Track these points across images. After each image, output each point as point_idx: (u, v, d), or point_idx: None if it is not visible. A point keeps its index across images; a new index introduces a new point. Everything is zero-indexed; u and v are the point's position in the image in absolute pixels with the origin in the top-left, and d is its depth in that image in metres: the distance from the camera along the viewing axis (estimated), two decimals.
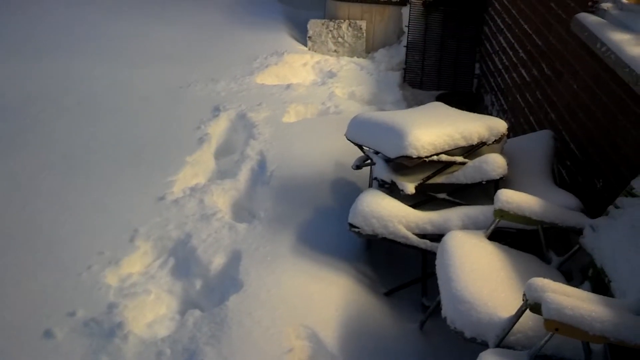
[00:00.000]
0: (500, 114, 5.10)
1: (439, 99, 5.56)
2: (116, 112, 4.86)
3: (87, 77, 5.39)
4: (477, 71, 6.14)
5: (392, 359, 2.84)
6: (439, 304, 2.82)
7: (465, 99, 5.93)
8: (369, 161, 3.65)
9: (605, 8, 3.46)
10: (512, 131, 4.52)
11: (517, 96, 4.68)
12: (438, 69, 6.20)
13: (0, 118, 4.66)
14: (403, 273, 3.43)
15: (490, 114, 5.25)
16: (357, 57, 6.45)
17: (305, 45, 6.52)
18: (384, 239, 3.15)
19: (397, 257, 3.57)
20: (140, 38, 6.30)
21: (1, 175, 3.99)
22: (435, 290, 2.91)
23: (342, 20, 6.51)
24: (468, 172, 3.33)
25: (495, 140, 3.43)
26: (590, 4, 3.54)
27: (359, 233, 3.19)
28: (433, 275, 2.94)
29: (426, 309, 3.13)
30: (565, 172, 3.61)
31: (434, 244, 3.07)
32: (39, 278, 3.18)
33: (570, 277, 2.84)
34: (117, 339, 2.82)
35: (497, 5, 5.58)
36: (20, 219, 3.60)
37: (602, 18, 3.43)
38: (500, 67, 5.28)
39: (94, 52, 5.91)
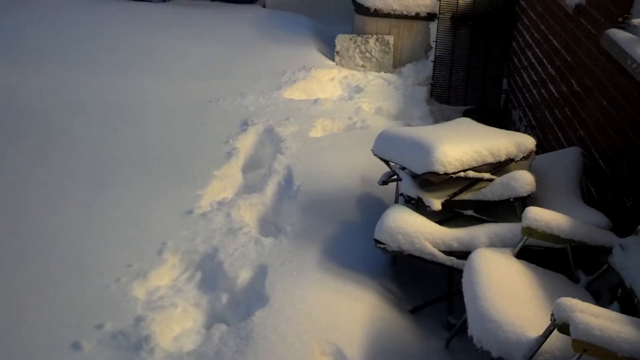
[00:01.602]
0: (529, 130, 5.06)
1: (465, 114, 5.54)
2: (144, 124, 4.92)
3: (116, 88, 5.46)
4: (504, 87, 6.11)
5: None
6: (465, 322, 2.80)
7: (493, 115, 5.91)
8: (395, 177, 3.65)
9: (636, 24, 3.43)
10: (540, 148, 4.48)
11: (546, 112, 4.65)
12: (465, 84, 6.19)
13: (29, 128, 4.74)
14: (428, 290, 3.42)
15: (518, 130, 5.22)
16: (385, 72, 6.46)
17: (333, 60, 6.55)
18: (410, 255, 3.14)
19: (422, 274, 3.55)
20: (167, 51, 6.38)
21: (29, 185, 4.06)
22: (461, 308, 2.89)
23: (370, 35, 6.53)
24: (495, 189, 3.31)
25: (523, 157, 3.41)
26: (620, 20, 3.51)
27: (384, 249, 3.19)
28: (459, 293, 2.93)
29: (452, 327, 3.11)
30: (594, 190, 3.57)
31: (461, 261, 3.05)
32: (67, 289, 3.22)
33: (598, 297, 2.81)
34: (144, 352, 2.85)
35: (525, 20, 5.56)
36: (48, 229, 3.65)
37: (633, 34, 3.40)
38: (528, 82, 5.25)
39: (122, 64, 5.99)
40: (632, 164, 3.13)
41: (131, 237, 3.62)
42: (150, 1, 8.22)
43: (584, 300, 2.17)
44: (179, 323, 3.13)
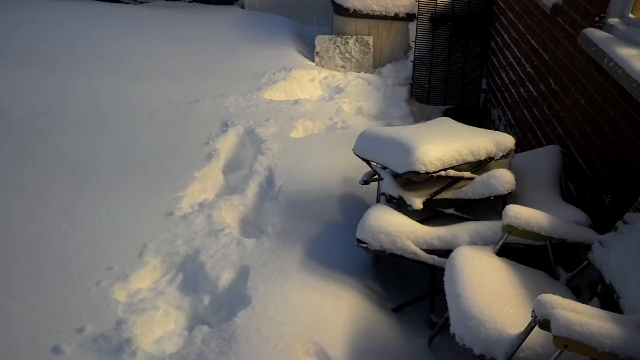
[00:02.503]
0: (508, 128, 5.10)
1: (445, 114, 5.58)
2: (124, 126, 4.88)
3: (94, 92, 5.41)
4: (484, 86, 6.15)
5: None
6: (447, 320, 2.82)
7: (473, 114, 5.95)
8: (376, 176, 3.66)
9: (612, 23, 3.47)
10: (520, 146, 4.52)
11: (525, 111, 4.69)
12: (445, 84, 6.22)
13: (7, 132, 4.68)
14: (411, 289, 3.43)
15: (497, 129, 5.26)
16: (365, 72, 6.47)
17: (313, 60, 6.54)
18: (392, 254, 3.15)
19: (404, 273, 3.57)
20: (147, 54, 6.33)
21: (9, 189, 4.01)
22: (443, 307, 2.90)
23: (350, 36, 6.54)
24: (476, 187, 3.33)
25: (503, 156, 3.44)
26: (597, 19, 3.55)
27: (366, 248, 3.19)
28: (441, 291, 2.94)
29: (434, 325, 3.12)
30: (573, 187, 3.61)
31: (442, 259, 3.07)
32: (47, 293, 3.18)
33: (578, 293, 2.83)
34: (126, 355, 2.83)
35: (503, 20, 5.60)
36: (28, 233, 3.61)
37: (609, 33, 3.45)
38: (507, 82, 5.29)
39: (101, 67, 5.94)
40: (610, 162, 3.17)
41: (111, 240, 3.59)
42: (127, 3, 8.17)
43: (564, 296, 2.19)
44: (161, 325, 3.11)
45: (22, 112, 4.99)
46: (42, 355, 2.83)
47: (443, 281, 2.78)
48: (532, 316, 2.14)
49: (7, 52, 6.13)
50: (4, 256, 3.42)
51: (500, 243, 2.83)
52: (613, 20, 3.49)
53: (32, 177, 4.15)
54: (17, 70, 5.74)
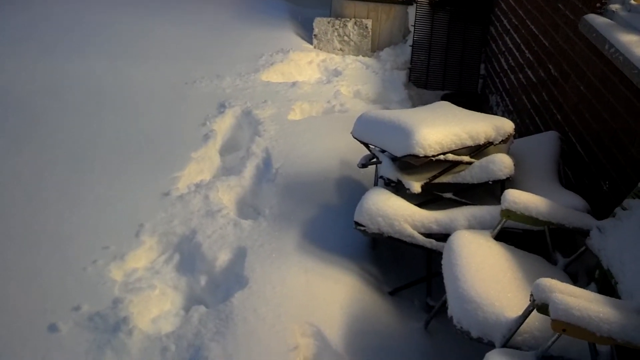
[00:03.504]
0: (506, 114, 5.09)
1: (444, 99, 5.56)
2: (120, 108, 4.85)
3: (91, 73, 5.38)
4: (482, 72, 6.13)
5: (396, 358, 2.84)
6: (444, 303, 2.83)
7: (471, 99, 5.93)
8: (374, 160, 3.65)
9: (614, 9, 3.46)
10: (518, 132, 4.52)
11: (523, 97, 4.68)
12: (443, 68, 6.20)
13: (4, 114, 4.65)
14: (408, 272, 3.43)
15: (496, 115, 5.25)
16: (363, 55, 6.44)
17: (311, 43, 6.51)
18: (390, 237, 3.15)
19: (401, 256, 3.57)
20: (144, 35, 6.28)
21: (6, 171, 3.98)
22: (440, 290, 2.92)
23: (348, 19, 6.50)
24: (475, 171, 3.33)
25: (502, 141, 3.43)
26: (598, 5, 3.53)
27: (364, 231, 3.19)
28: (438, 275, 2.96)
29: (431, 309, 3.13)
30: (571, 173, 3.61)
31: (440, 243, 3.07)
32: (44, 272, 3.17)
33: (575, 279, 2.84)
34: (122, 333, 2.82)
35: (503, 5, 5.57)
36: (25, 214, 3.59)
37: (611, 19, 3.43)
38: (506, 67, 5.27)
39: (98, 48, 5.90)
40: (609, 148, 3.17)
41: (108, 219, 3.58)
42: None
43: (562, 281, 2.19)
44: (157, 305, 3.11)
45: (19, 94, 4.95)
46: (38, 334, 2.82)
47: (440, 265, 2.79)
48: (530, 300, 2.15)
49: (3, 34, 6.07)
50: (0, 235, 3.40)
51: (498, 227, 2.83)
52: (614, 7, 3.48)
53: (28, 159, 4.12)
54: (14, 52, 5.70)
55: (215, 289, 3.21)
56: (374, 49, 6.62)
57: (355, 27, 6.48)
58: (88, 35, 6.17)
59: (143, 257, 3.37)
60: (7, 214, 3.59)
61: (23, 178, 3.92)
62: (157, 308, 3.09)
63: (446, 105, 3.77)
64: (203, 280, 3.25)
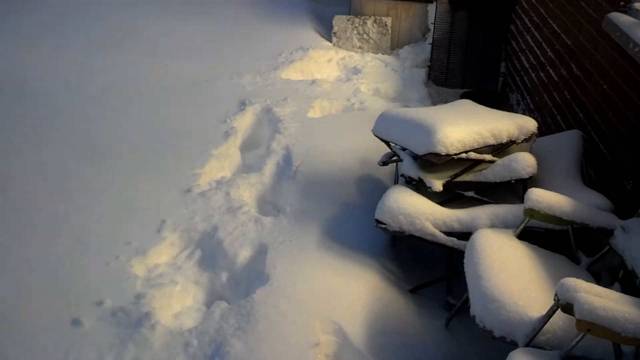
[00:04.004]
0: (527, 113, 5.07)
1: (464, 97, 5.54)
2: (142, 103, 4.89)
3: (113, 69, 5.42)
4: (502, 70, 6.10)
5: (417, 356, 2.83)
6: (465, 302, 2.82)
7: (491, 98, 5.90)
8: (395, 158, 3.65)
9: (638, 8, 3.42)
10: (539, 131, 4.48)
11: (545, 96, 4.65)
12: (463, 67, 6.18)
13: (26, 108, 4.70)
14: (428, 271, 3.43)
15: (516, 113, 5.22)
16: (382, 53, 6.44)
17: (330, 41, 6.51)
18: (411, 236, 3.15)
19: (421, 254, 3.57)
20: (164, 32, 6.33)
21: (28, 164, 4.03)
22: (460, 289, 2.91)
23: (368, 17, 6.50)
24: (497, 170, 3.31)
25: (525, 139, 3.41)
26: (622, 3, 3.50)
27: (385, 229, 3.19)
28: (458, 274, 2.94)
29: (451, 307, 3.12)
30: (594, 173, 3.58)
31: (461, 242, 3.06)
32: (67, 267, 3.20)
33: (598, 279, 2.82)
34: (145, 329, 2.84)
35: (524, 3, 5.54)
36: (47, 208, 3.63)
37: (635, 18, 3.40)
38: (527, 66, 5.24)
39: (119, 45, 5.95)
40: (633, 148, 3.14)
41: (130, 215, 3.61)
42: None
43: (586, 281, 2.18)
44: (179, 300, 3.13)
45: (41, 89, 5.00)
46: (61, 328, 2.85)
47: (460, 264, 2.78)
48: (554, 299, 2.14)
49: (25, 29, 6.14)
50: (23, 230, 3.45)
51: (521, 226, 2.82)
52: (639, 5, 3.44)
53: (51, 153, 4.16)
54: (36, 47, 5.76)
55: (237, 285, 3.23)
56: (394, 47, 6.61)
57: (374, 25, 6.48)
58: (109, 32, 6.22)
59: (165, 252, 3.39)
60: (30, 208, 3.63)
61: (45, 171, 3.96)
62: (179, 303, 3.11)
63: (468, 103, 3.76)
64: (224, 276, 3.27)
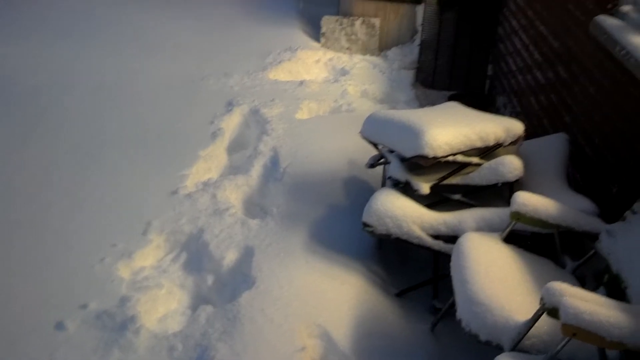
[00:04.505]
0: (514, 115, 5.07)
1: (451, 99, 5.54)
2: (127, 104, 4.85)
3: (98, 67, 5.39)
4: (490, 72, 6.11)
5: None
6: (451, 305, 2.82)
7: (478, 100, 5.91)
8: (383, 160, 3.64)
9: (625, 11, 3.43)
10: (526, 134, 4.49)
11: (532, 98, 4.66)
12: (451, 69, 6.18)
13: (10, 107, 4.66)
14: (414, 274, 3.43)
15: (503, 116, 5.23)
16: (370, 55, 6.43)
17: (319, 41, 6.50)
18: (398, 239, 3.14)
19: (407, 257, 3.57)
20: (152, 31, 6.29)
21: (12, 165, 3.99)
22: (447, 292, 2.91)
23: (356, 18, 6.49)
24: (484, 173, 3.31)
25: (512, 142, 3.42)
26: (609, 6, 3.51)
27: (372, 232, 3.18)
28: (444, 277, 2.94)
29: (437, 311, 3.12)
30: (580, 176, 3.59)
31: (448, 245, 3.06)
32: (51, 269, 3.18)
33: (584, 282, 2.83)
34: (129, 332, 2.82)
35: (512, 6, 5.55)
36: (32, 209, 3.60)
37: (622, 21, 3.41)
38: (514, 68, 5.25)
39: (105, 43, 5.91)
40: (618, 151, 3.15)
41: (115, 217, 3.59)
42: None
43: (571, 285, 2.18)
44: (164, 304, 3.11)
45: (25, 88, 4.96)
46: (45, 331, 2.82)
47: (446, 267, 2.78)
48: (540, 303, 2.14)
49: (9, 26, 6.08)
50: (6, 232, 3.42)
51: (507, 230, 2.82)
52: (626, 8, 3.45)
53: (35, 153, 4.13)
54: (20, 45, 5.71)
55: (223, 288, 3.21)
56: (382, 48, 6.61)
57: (363, 26, 6.47)
58: (96, 30, 6.18)
59: (150, 255, 3.37)
60: (14, 209, 3.60)
61: (30, 173, 3.93)
62: (164, 307, 3.08)
63: (456, 105, 3.76)
64: (210, 279, 3.25)
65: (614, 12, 3.50)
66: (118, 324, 2.88)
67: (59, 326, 2.84)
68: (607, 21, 3.40)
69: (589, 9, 3.72)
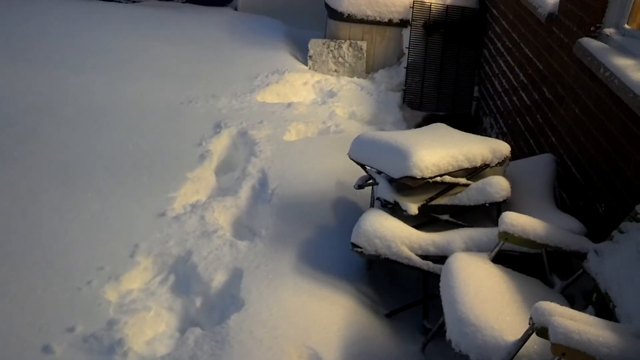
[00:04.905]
0: (500, 136, 5.12)
1: (436, 121, 5.58)
2: (116, 125, 4.84)
3: (86, 89, 5.37)
4: (476, 94, 6.17)
5: None
6: (441, 326, 2.82)
7: (464, 122, 5.97)
8: (371, 181, 3.66)
9: (608, 33, 3.50)
10: (512, 154, 4.53)
11: (518, 119, 4.71)
12: (437, 90, 6.24)
13: None
14: (404, 294, 3.43)
15: (490, 137, 5.28)
16: (357, 77, 6.48)
17: (306, 64, 6.54)
18: (387, 259, 3.14)
19: (397, 278, 3.57)
20: (140, 53, 6.30)
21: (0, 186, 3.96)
22: (436, 313, 2.91)
23: (343, 41, 6.55)
24: (471, 194, 3.33)
25: (499, 163, 3.44)
26: (592, 29, 3.58)
27: (361, 253, 3.18)
28: (434, 298, 2.94)
29: (427, 331, 3.12)
30: (567, 196, 3.62)
31: (437, 265, 3.07)
32: (38, 292, 3.14)
33: (572, 302, 2.84)
34: (117, 356, 2.79)
35: (497, 28, 5.63)
36: (18, 231, 3.56)
37: (605, 43, 3.47)
38: (500, 90, 5.31)
39: (94, 65, 5.90)
40: (604, 171, 3.18)
41: (102, 239, 3.56)
42: (119, 2, 8.13)
43: (560, 304, 2.19)
44: (152, 327, 3.07)
45: (13, 109, 4.93)
46: (32, 355, 2.79)
47: (436, 287, 2.78)
48: (529, 323, 2.14)
49: None
50: None
51: (496, 250, 2.83)
52: (609, 31, 3.52)
53: (22, 175, 4.09)
54: (8, 67, 5.69)
55: (211, 310, 3.19)
56: (369, 71, 6.66)
57: (350, 48, 6.52)
58: (83, 52, 6.17)
59: (138, 278, 3.34)
60: (0, 230, 3.56)
61: (16, 195, 3.89)
62: (152, 330, 3.05)
63: (443, 127, 3.79)
64: (198, 301, 3.23)
65: (597, 34, 3.57)
66: (106, 347, 2.85)
67: (46, 349, 2.81)
68: (591, 43, 3.47)
69: (572, 31, 3.79)
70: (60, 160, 4.29)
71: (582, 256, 2.77)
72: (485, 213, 3.48)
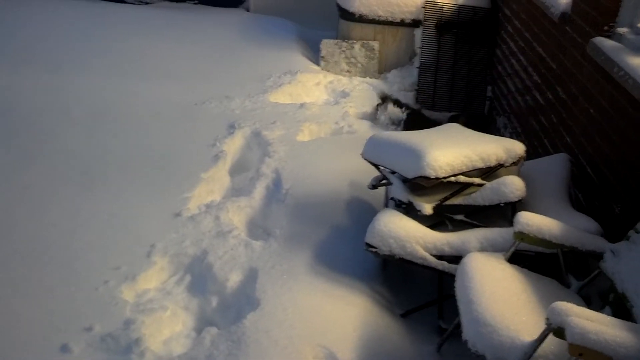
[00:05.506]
0: (514, 136, 5.11)
1: (451, 120, 5.58)
2: (129, 126, 4.87)
3: (100, 91, 5.40)
4: (489, 94, 6.16)
5: None
6: (456, 326, 2.82)
7: (477, 121, 5.95)
8: (385, 181, 3.66)
9: (622, 33, 3.49)
10: (527, 154, 4.52)
11: (531, 119, 4.70)
12: (450, 90, 6.23)
13: (12, 130, 4.67)
14: (418, 294, 3.43)
15: (503, 137, 5.27)
16: (370, 77, 6.47)
17: (318, 64, 6.54)
18: (401, 259, 3.15)
19: (412, 278, 3.57)
20: (152, 54, 6.32)
21: (15, 188, 4.00)
22: (452, 313, 2.91)
23: (355, 41, 6.55)
24: (486, 193, 3.33)
25: (513, 163, 3.44)
26: (606, 28, 3.57)
27: (376, 253, 3.19)
28: (449, 298, 2.95)
29: (442, 332, 3.12)
30: (582, 196, 3.61)
31: (452, 265, 3.07)
32: (55, 292, 3.18)
33: (589, 302, 2.84)
34: (134, 355, 2.82)
35: (509, 28, 5.62)
36: (35, 232, 3.60)
37: (619, 42, 3.46)
38: (513, 90, 5.30)
39: (106, 67, 5.93)
40: (620, 171, 3.18)
41: (119, 239, 3.59)
42: (132, 3, 8.16)
43: (577, 304, 2.19)
44: (169, 326, 3.10)
45: (27, 111, 4.98)
46: (50, 354, 2.82)
47: (451, 288, 2.79)
48: (546, 324, 2.15)
49: (11, 50, 6.11)
50: (10, 255, 3.42)
51: (511, 250, 2.83)
52: (622, 30, 3.51)
53: (37, 176, 4.14)
54: (22, 69, 5.73)
55: (227, 310, 3.21)
56: (381, 71, 6.65)
57: (362, 49, 6.53)
58: (96, 53, 6.20)
59: (154, 277, 3.37)
60: (17, 232, 3.60)
61: (32, 195, 3.93)
62: (169, 329, 3.08)
63: (456, 127, 3.79)
64: (214, 301, 3.25)
65: (610, 33, 3.56)
66: (123, 346, 2.88)
67: (64, 349, 2.84)
68: (604, 42, 3.46)
69: (585, 30, 3.77)
70: (75, 162, 4.33)
71: (598, 256, 2.76)
72: (500, 213, 3.48)
